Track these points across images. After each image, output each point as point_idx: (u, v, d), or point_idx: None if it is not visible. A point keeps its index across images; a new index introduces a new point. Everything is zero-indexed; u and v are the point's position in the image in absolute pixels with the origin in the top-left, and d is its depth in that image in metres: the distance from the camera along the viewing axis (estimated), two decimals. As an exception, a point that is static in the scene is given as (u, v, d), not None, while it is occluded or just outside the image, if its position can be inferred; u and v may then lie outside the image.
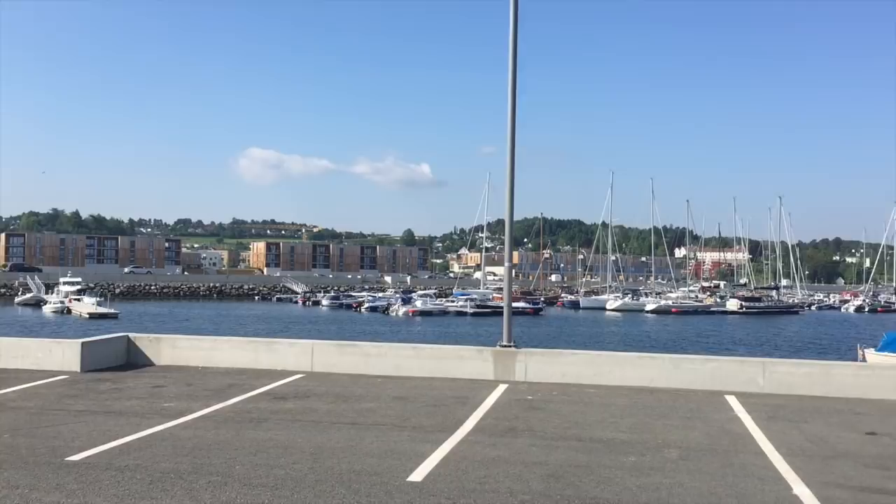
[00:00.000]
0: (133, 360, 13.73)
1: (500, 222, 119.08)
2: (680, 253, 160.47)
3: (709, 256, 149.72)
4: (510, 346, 12.93)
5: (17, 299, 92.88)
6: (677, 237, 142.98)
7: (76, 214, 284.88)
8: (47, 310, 79.07)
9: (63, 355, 12.74)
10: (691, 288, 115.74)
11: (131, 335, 14.00)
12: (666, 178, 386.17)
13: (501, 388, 11.95)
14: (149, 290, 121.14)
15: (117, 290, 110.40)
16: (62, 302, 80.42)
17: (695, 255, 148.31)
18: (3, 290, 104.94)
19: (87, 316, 70.18)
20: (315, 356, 13.28)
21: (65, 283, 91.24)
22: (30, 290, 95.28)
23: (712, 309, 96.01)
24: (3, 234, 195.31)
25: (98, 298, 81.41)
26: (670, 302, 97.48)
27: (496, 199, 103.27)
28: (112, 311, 72.67)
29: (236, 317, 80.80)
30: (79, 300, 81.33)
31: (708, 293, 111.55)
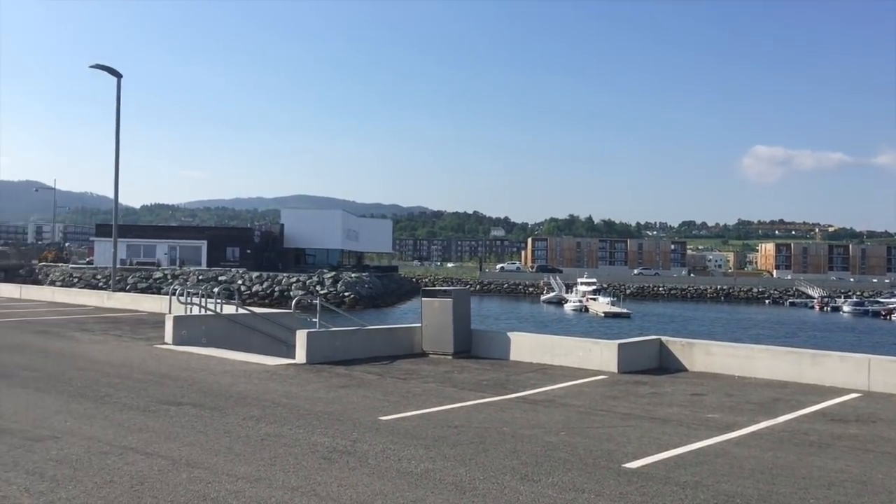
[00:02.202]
0: (665, 364, 13.54)
1: None
2: None
3: None
4: None
5: (542, 297, 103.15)
6: None
7: (589, 220, 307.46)
8: (568, 308, 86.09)
9: (601, 355, 13.11)
10: None
11: (663, 338, 13.85)
12: None
13: None
14: (656, 290, 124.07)
15: (628, 291, 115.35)
16: (580, 301, 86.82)
17: None
18: (531, 289, 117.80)
19: (603, 314, 74.46)
20: (872, 374, 11.46)
21: (582, 283, 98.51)
22: (552, 290, 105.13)
23: None
24: (529, 239, 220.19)
25: (612, 298, 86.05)
26: None
27: None
28: (625, 310, 75.98)
29: (740, 320, 77.96)
30: (594, 299, 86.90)
31: None
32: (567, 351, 13.59)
